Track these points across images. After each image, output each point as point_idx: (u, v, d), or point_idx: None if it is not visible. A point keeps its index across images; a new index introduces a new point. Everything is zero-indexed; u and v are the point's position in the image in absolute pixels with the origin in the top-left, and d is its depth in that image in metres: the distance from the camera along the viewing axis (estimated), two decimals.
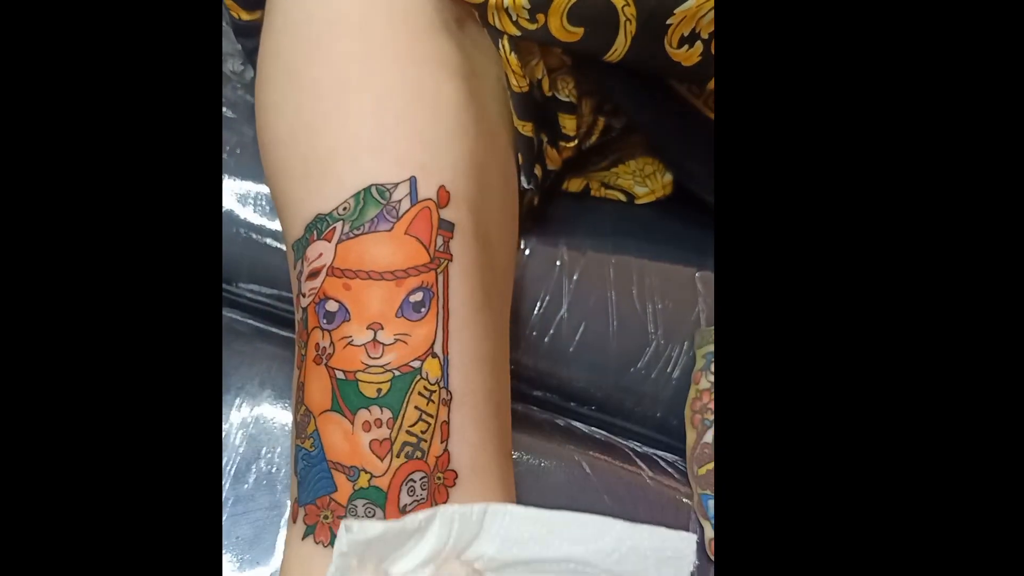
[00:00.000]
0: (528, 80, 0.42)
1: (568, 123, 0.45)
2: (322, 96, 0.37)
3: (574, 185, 0.53)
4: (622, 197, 0.53)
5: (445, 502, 0.34)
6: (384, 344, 0.34)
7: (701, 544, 0.44)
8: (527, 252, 0.50)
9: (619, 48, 0.40)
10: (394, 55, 0.37)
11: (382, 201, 0.35)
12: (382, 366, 0.34)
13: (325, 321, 0.35)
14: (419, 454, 0.34)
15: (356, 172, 0.35)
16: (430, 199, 0.35)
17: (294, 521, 0.35)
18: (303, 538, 0.34)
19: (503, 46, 0.41)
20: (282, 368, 0.45)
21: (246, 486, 0.41)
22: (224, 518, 0.41)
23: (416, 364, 0.34)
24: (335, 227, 0.35)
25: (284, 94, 0.38)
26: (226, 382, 0.44)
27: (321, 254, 0.35)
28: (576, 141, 0.46)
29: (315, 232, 0.36)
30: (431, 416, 0.34)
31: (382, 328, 0.34)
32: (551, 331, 0.50)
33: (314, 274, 0.36)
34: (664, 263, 0.52)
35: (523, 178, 0.43)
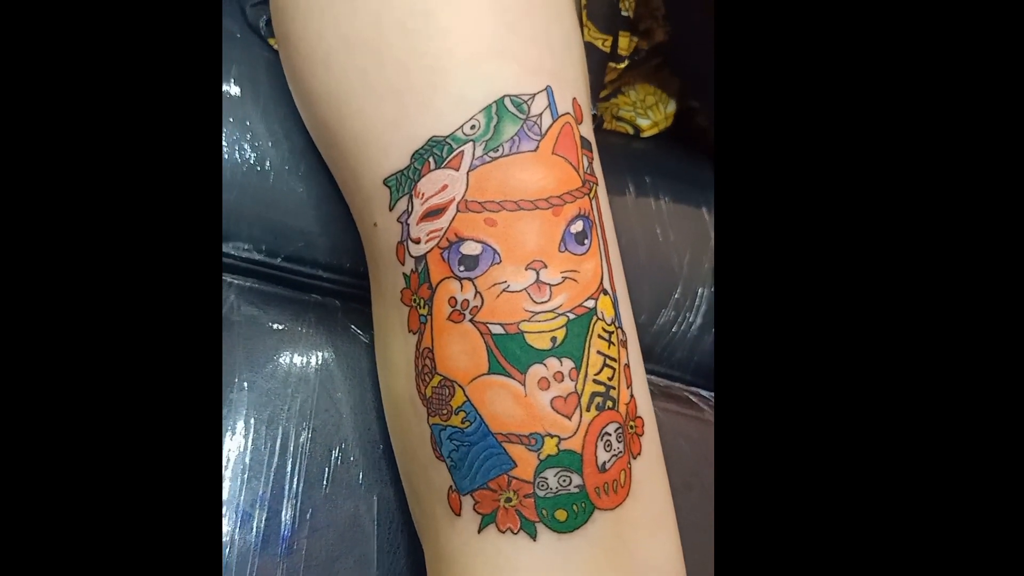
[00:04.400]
0: None
1: (623, 41, 0.41)
2: None
3: None
4: (629, 129, 0.50)
5: (639, 453, 0.30)
6: (551, 285, 0.28)
7: None
8: None
9: None
10: None
11: (520, 116, 0.29)
12: (552, 310, 0.28)
13: (462, 268, 0.28)
14: (610, 403, 0.29)
15: (482, 81, 0.29)
16: (568, 113, 0.30)
17: (458, 513, 0.28)
18: (480, 531, 0.28)
19: None
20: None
21: (323, 492, 0.34)
22: (303, 535, 0.33)
23: (590, 304, 0.29)
24: (462, 151, 0.29)
25: None
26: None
27: (445, 186, 0.29)
28: (626, 63, 0.42)
29: (431, 160, 0.29)
30: (615, 360, 0.29)
31: (545, 267, 0.28)
32: None
33: (435, 212, 0.29)
34: (679, 203, 0.50)
35: None
